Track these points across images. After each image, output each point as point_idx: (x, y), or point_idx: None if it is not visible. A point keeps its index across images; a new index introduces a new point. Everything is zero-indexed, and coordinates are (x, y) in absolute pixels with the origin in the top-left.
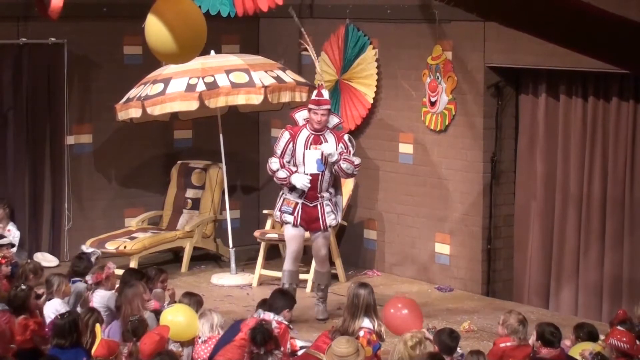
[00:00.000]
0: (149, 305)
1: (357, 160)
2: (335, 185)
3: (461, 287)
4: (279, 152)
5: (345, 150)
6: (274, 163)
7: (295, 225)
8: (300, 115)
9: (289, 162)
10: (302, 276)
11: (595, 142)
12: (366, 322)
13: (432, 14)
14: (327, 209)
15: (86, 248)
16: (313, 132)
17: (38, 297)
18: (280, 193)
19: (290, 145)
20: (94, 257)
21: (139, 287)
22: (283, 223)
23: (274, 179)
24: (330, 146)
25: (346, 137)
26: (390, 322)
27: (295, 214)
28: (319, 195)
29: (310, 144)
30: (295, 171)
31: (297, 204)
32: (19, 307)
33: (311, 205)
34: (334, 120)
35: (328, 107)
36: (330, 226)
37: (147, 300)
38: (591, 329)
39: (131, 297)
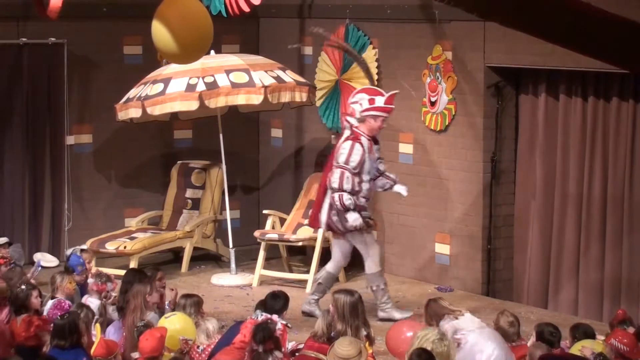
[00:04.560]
0: (151, 300)
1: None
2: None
3: (461, 287)
4: (354, 166)
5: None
6: (349, 182)
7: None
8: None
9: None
10: (302, 276)
11: (595, 142)
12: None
13: (432, 14)
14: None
15: (70, 251)
16: (369, 139)
17: (41, 295)
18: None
19: (365, 157)
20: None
21: (146, 286)
22: (367, 227)
23: (341, 198)
24: (404, 188)
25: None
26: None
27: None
28: None
29: (369, 151)
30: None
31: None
32: (20, 307)
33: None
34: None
35: None
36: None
37: (149, 301)
38: (587, 329)
39: (135, 292)
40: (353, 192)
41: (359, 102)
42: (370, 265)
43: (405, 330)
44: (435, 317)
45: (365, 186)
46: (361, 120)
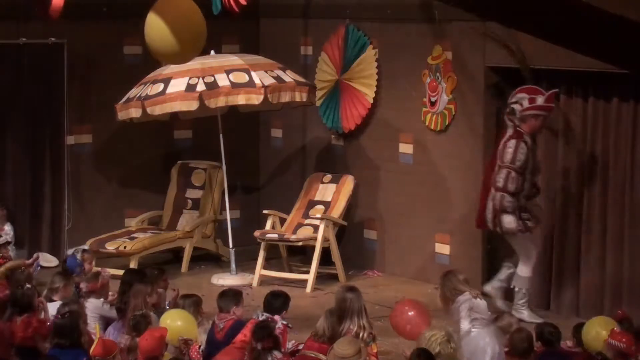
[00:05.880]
0: (151, 301)
1: None
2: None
3: None
4: (519, 165)
5: None
6: (514, 182)
7: None
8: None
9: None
10: (302, 276)
11: (595, 142)
12: (354, 326)
13: (432, 14)
14: None
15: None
16: (531, 137)
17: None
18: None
19: (529, 155)
20: (78, 254)
21: (147, 287)
22: (525, 229)
23: (502, 199)
24: None
25: None
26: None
27: None
28: None
29: (532, 149)
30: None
31: None
32: (27, 306)
33: None
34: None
35: None
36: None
37: (149, 302)
38: None
39: (136, 292)
40: (515, 193)
41: (519, 102)
42: (523, 268)
43: (407, 310)
44: (454, 290)
45: (527, 185)
46: (522, 119)
